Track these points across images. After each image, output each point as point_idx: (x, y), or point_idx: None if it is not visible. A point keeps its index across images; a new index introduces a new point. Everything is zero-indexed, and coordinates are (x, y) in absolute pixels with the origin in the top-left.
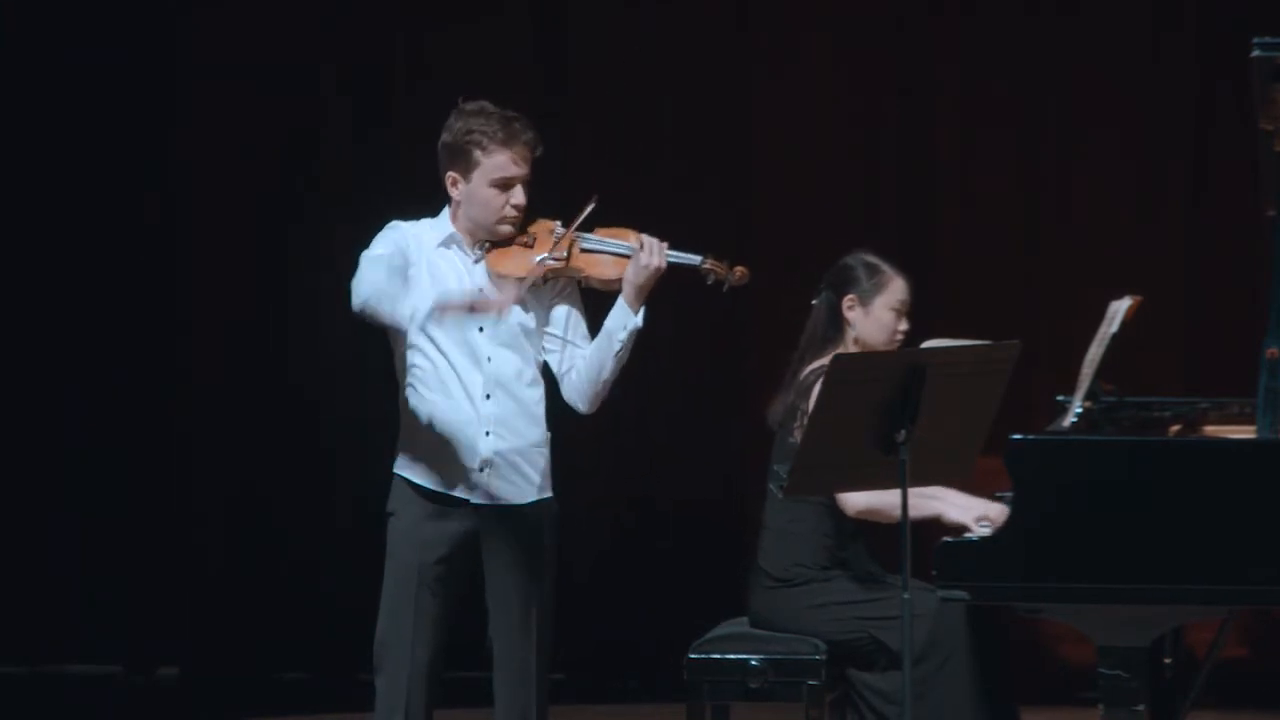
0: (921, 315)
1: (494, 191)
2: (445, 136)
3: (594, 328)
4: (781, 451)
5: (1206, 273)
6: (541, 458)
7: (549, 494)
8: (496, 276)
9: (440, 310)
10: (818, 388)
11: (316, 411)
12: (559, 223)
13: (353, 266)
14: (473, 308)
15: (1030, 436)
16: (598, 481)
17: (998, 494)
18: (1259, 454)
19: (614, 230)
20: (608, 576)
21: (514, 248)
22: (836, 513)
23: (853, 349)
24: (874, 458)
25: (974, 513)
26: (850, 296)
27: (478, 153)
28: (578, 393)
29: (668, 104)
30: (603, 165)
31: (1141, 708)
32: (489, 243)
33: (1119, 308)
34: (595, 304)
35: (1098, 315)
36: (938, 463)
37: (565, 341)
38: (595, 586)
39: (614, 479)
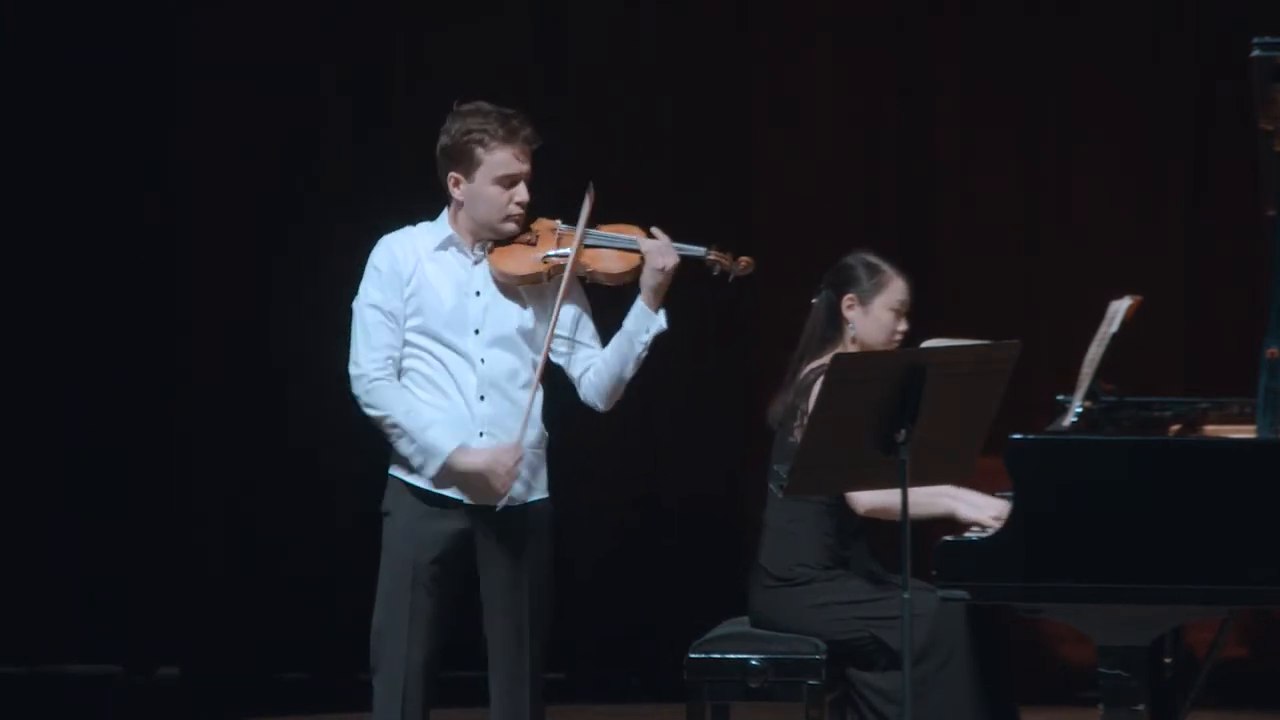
0: (921, 315)
1: (498, 189)
2: (444, 139)
3: (598, 325)
4: (782, 451)
5: (1206, 273)
6: (538, 459)
7: (545, 495)
8: (500, 275)
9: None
10: (817, 387)
11: (316, 411)
12: (560, 221)
13: (353, 271)
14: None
15: (1030, 436)
16: (598, 480)
17: (998, 494)
18: (1259, 454)
19: (617, 226)
20: (608, 575)
21: (516, 246)
22: (838, 512)
23: (851, 348)
24: (874, 458)
25: (989, 511)
26: (850, 296)
27: (480, 151)
28: (597, 393)
29: (668, 104)
30: (603, 165)
31: (1141, 708)
32: (491, 242)
33: (1119, 308)
34: (600, 302)
35: (1098, 315)
36: (938, 463)
37: (575, 343)
38: (596, 585)
39: (616, 477)
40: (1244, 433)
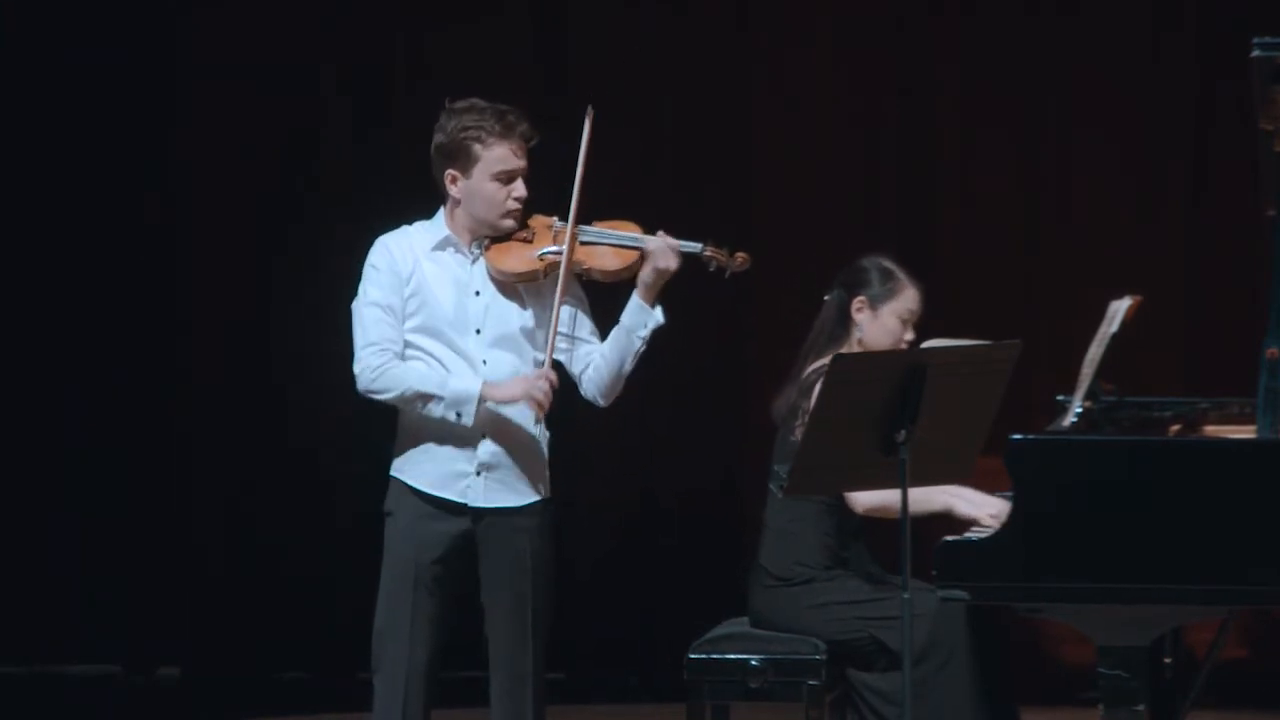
0: (922, 315)
1: (496, 185)
2: (439, 137)
3: (599, 323)
4: (782, 451)
5: (1206, 273)
6: (539, 460)
7: (546, 496)
8: (497, 272)
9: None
10: (818, 387)
11: (316, 411)
12: (556, 217)
13: (353, 271)
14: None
15: (1030, 436)
16: (597, 477)
17: (998, 494)
18: (1259, 454)
19: (614, 223)
20: (608, 575)
21: (513, 243)
22: (838, 512)
23: (856, 350)
24: (874, 458)
25: (987, 508)
26: (860, 298)
27: (477, 147)
28: (597, 388)
29: (668, 104)
30: (603, 165)
31: (1141, 708)
32: (488, 239)
33: (1119, 308)
34: (599, 299)
35: (1098, 315)
36: (938, 463)
37: (575, 340)
38: (595, 585)
39: (614, 474)
40: (1244, 433)
